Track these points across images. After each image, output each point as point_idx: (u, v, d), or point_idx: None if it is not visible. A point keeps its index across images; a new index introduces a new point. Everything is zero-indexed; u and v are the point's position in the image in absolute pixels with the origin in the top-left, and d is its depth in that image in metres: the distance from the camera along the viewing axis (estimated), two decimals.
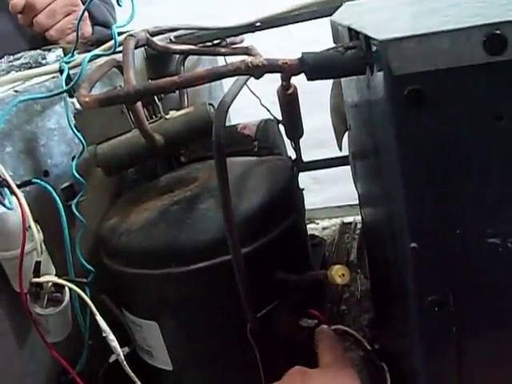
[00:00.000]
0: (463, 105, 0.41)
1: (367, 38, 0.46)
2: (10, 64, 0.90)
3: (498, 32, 0.38)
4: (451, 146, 0.42)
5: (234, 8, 2.07)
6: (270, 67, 0.52)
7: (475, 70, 0.40)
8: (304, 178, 0.93)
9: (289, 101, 0.79)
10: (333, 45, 0.66)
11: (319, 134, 1.10)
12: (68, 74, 0.74)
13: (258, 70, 0.52)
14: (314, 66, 0.50)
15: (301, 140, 0.88)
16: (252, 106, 1.05)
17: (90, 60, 0.78)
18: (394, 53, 0.40)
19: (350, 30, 0.54)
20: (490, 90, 0.41)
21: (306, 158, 0.93)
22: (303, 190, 0.91)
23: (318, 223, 1.32)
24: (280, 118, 0.89)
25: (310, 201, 1.04)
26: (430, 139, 0.42)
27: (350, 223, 1.25)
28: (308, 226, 1.27)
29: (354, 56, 0.49)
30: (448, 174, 0.43)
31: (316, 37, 0.99)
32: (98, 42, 0.98)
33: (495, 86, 0.40)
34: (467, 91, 0.41)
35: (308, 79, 0.52)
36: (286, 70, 0.52)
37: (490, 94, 0.41)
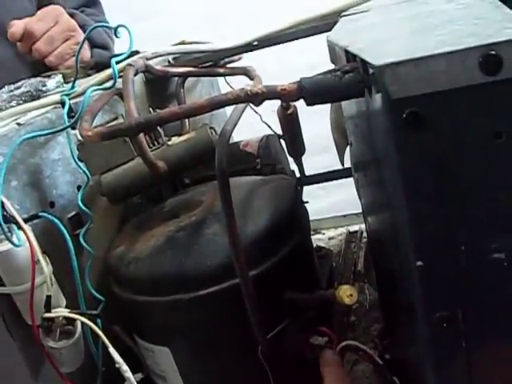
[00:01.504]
0: (461, 125, 0.41)
1: (364, 62, 0.47)
2: (11, 94, 0.91)
3: (494, 53, 0.39)
4: (452, 166, 0.42)
5: (229, 20, 2.06)
6: (269, 94, 0.53)
7: (472, 90, 0.40)
8: None
9: (289, 120, 0.80)
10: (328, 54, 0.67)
11: (322, 140, 1.10)
12: (70, 106, 0.75)
13: (257, 98, 0.53)
14: (313, 92, 0.51)
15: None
16: (253, 116, 1.05)
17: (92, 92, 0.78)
18: (391, 77, 0.40)
19: (346, 51, 0.54)
20: (488, 110, 0.41)
21: (309, 163, 0.93)
22: (307, 202, 0.91)
23: (323, 233, 1.32)
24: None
25: (317, 207, 1.04)
26: (431, 160, 0.42)
27: (356, 232, 1.25)
28: (314, 237, 1.27)
29: (352, 80, 0.49)
30: (450, 193, 0.43)
31: (312, 45, 0.99)
32: (98, 66, 0.99)
33: (492, 105, 0.41)
34: (465, 111, 0.41)
35: (307, 104, 0.52)
36: (285, 97, 0.52)
37: (488, 113, 0.41)
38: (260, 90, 0.52)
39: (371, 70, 0.44)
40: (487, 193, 0.43)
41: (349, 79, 0.50)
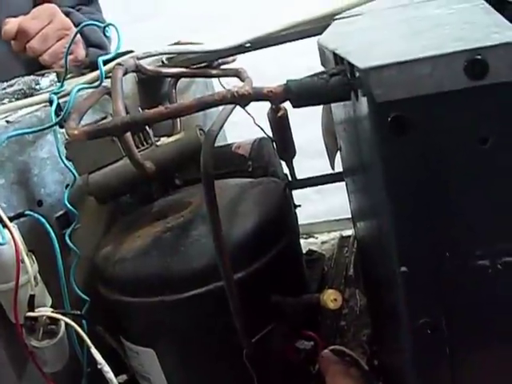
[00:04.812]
0: (447, 130, 0.41)
1: (351, 65, 0.46)
2: (4, 91, 0.91)
3: (479, 57, 0.38)
4: (437, 171, 0.42)
5: (229, 22, 2.06)
6: (256, 96, 0.53)
7: (457, 95, 0.40)
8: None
9: (279, 123, 0.79)
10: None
11: (317, 144, 1.09)
12: (58, 104, 0.74)
13: (243, 99, 0.53)
14: (299, 94, 0.51)
15: (299, 150, 0.88)
16: (249, 119, 1.04)
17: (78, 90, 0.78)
18: (375, 80, 0.40)
19: (335, 54, 0.54)
20: (473, 115, 0.41)
21: (304, 167, 0.93)
22: (299, 206, 0.91)
23: (316, 237, 1.31)
24: None
25: (312, 211, 1.03)
26: (416, 165, 0.42)
27: (349, 236, 1.24)
28: (307, 241, 1.27)
29: (338, 83, 0.49)
30: (434, 199, 0.43)
31: (311, 48, 0.99)
32: (93, 65, 0.98)
33: (478, 110, 0.40)
34: (450, 116, 0.41)
35: (293, 107, 0.52)
36: (272, 99, 0.52)
37: (473, 119, 0.41)
38: (247, 91, 0.52)
39: (357, 73, 0.44)
40: (472, 199, 0.43)
41: (335, 82, 0.49)
